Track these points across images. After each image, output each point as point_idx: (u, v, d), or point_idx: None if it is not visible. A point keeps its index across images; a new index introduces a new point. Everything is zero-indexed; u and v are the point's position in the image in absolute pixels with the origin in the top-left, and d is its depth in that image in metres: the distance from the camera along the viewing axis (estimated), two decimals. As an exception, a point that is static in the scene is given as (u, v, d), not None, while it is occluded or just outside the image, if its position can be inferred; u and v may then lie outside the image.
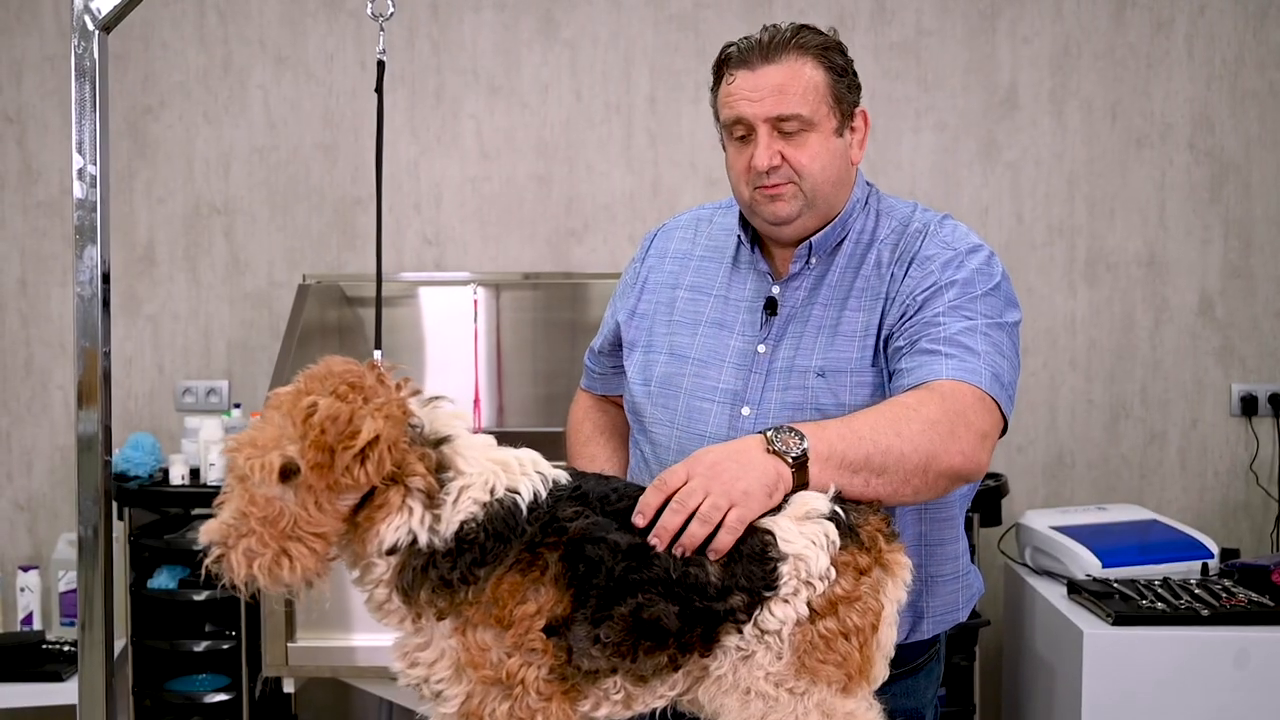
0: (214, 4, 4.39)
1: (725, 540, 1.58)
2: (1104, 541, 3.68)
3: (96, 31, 1.97)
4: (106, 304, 1.99)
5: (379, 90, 2.10)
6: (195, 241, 4.44)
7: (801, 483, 1.65)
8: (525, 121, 4.42)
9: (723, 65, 2.01)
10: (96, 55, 1.97)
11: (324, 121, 4.42)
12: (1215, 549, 3.67)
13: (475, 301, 4.16)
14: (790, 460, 1.64)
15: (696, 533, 1.57)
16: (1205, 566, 3.61)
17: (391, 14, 2.06)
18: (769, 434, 1.67)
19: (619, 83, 4.40)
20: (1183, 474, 4.40)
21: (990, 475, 4.05)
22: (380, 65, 2.10)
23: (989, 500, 3.91)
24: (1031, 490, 4.41)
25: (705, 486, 1.59)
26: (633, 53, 4.39)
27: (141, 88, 4.39)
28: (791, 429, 1.68)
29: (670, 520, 1.58)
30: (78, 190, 1.96)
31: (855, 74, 2.02)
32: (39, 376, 4.45)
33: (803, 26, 1.98)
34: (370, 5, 2.05)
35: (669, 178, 4.40)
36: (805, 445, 1.66)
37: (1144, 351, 4.38)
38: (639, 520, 1.60)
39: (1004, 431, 1.91)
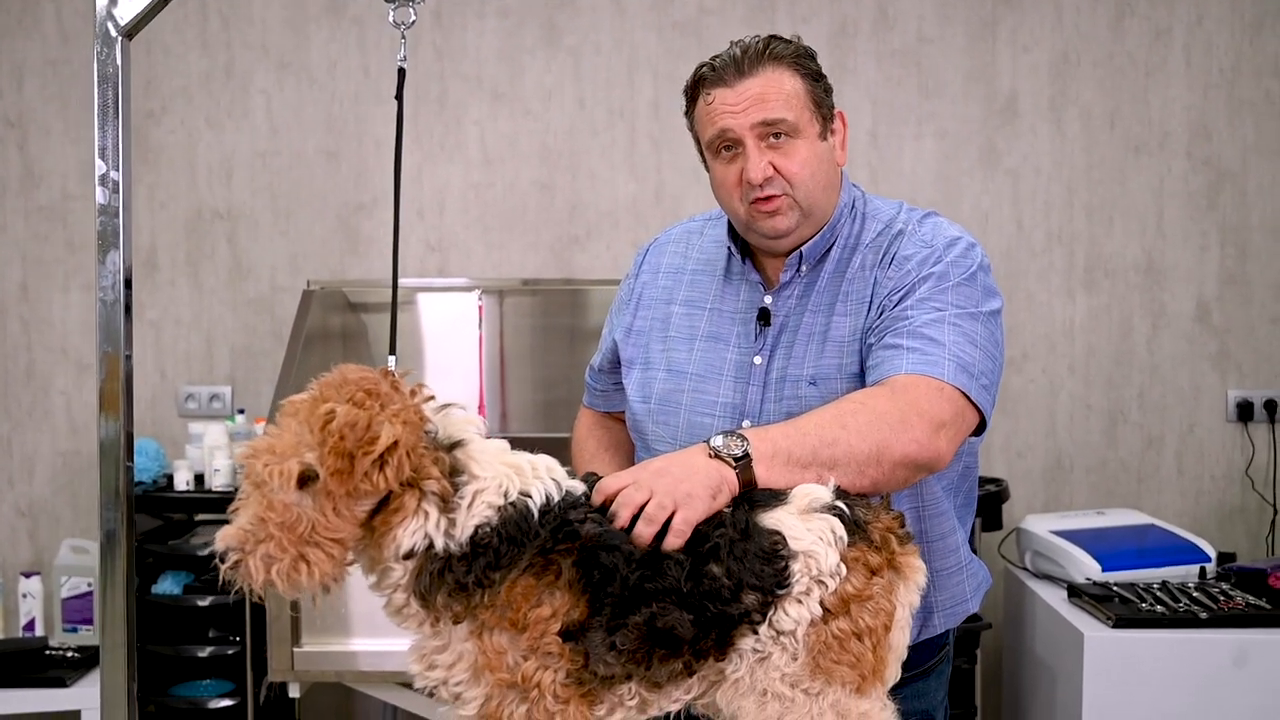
0: (216, 9, 4.40)
1: (673, 543, 1.59)
2: (1103, 546, 3.70)
3: (119, 38, 1.98)
4: (129, 309, 2.01)
5: (399, 97, 2.11)
6: (198, 247, 4.45)
7: (748, 482, 1.67)
8: (528, 128, 4.44)
9: (697, 86, 2.02)
10: (120, 61, 1.99)
11: (326, 127, 4.43)
12: (1212, 553, 3.69)
13: (480, 308, 4.16)
14: (732, 461, 1.67)
15: (642, 532, 1.59)
16: (1203, 570, 3.64)
17: (414, 22, 2.07)
18: (711, 440, 1.69)
19: (622, 89, 4.42)
20: (1180, 479, 4.43)
21: (990, 480, 4.08)
22: (401, 73, 2.11)
23: (990, 505, 3.93)
24: (1031, 495, 4.43)
25: (650, 487, 1.62)
26: (636, 59, 4.41)
27: (144, 93, 4.40)
28: (734, 433, 1.70)
29: (615, 517, 1.61)
30: (100, 196, 1.98)
31: (826, 77, 2.03)
32: (40, 382, 4.46)
33: (773, 37, 1.99)
34: (391, 14, 2.07)
35: (672, 184, 4.42)
36: (746, 447, 1.68)
37: (1141, 357, 4.41)
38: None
39: (984, 421, 1.91)
